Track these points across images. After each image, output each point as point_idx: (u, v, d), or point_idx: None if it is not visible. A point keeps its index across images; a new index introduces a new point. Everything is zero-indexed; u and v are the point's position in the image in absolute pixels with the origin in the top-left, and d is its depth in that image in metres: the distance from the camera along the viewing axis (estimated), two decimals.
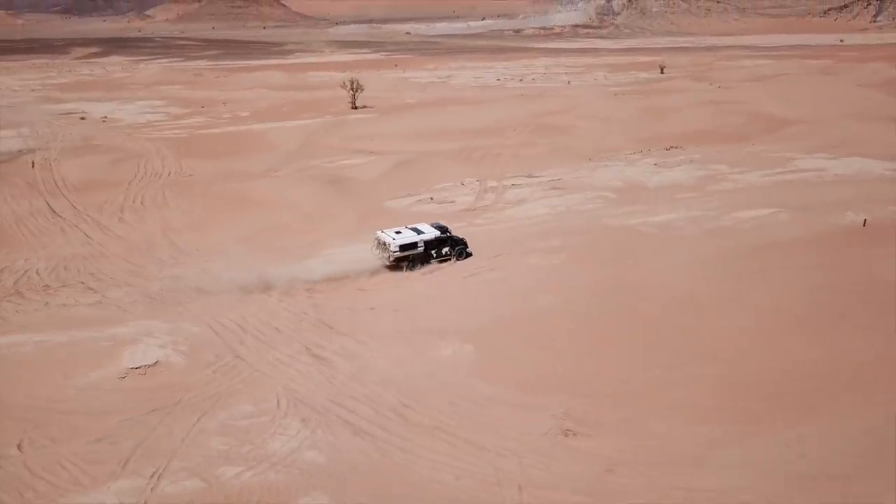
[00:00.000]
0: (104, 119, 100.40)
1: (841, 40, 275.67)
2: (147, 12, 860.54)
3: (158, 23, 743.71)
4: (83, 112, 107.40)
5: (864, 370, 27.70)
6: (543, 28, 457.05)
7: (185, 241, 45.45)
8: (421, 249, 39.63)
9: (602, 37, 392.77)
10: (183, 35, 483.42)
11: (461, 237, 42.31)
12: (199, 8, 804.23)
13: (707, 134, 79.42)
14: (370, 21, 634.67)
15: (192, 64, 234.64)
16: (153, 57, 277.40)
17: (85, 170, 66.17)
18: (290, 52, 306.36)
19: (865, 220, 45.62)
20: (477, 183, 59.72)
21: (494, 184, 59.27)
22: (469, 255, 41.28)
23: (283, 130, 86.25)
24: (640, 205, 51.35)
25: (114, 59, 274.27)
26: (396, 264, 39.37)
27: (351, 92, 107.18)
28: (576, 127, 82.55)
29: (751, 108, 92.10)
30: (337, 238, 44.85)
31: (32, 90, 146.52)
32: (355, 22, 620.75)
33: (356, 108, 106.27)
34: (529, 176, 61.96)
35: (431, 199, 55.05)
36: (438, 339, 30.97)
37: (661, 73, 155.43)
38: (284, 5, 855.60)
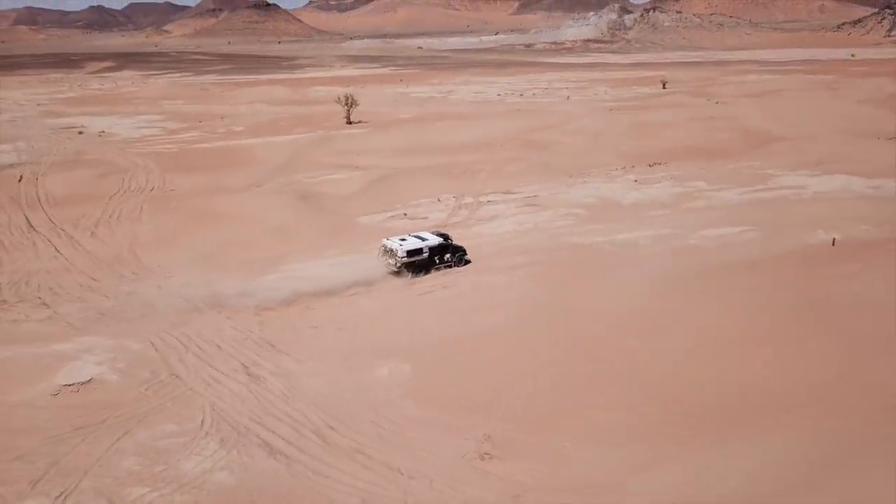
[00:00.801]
0: (101, 133, 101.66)
1: (852, 55, 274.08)
2: (165, 27, 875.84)
3: (175, 38, 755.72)
4: (82, 126, 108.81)
5: (795, 393, 27.25)
6: (554, 43, 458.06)
7: (150, 256, 45.73)
8: (426, 256, 41.18)
9: (612, 51, 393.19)
10: (198, 50, 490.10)
11: (460, 245, 43.89)
12: (216, 23, 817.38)
13: (695, 150, 79.04)
14: (384, 36, 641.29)
15: (201, 78, 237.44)
16: (164, 71, 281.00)
17: (69, 184, 66.96)
18: (300, 66, 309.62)
19: (834, 239, 45.09)
20: (453, 199, 59.74)
21: (470, 200, 59.26)
22: (468, 262, 43.03)
23: (272, 145, 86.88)
24: (610, 222, 51.07)
25: (126, 73, 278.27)
26: (402, 270, 40.70)
27: (345, 107, 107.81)
28: (562, 143, 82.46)
29: (742, 124, 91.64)
30: (300, 254, 44.94)
31: (39, 104, 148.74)
32: (369, 37, 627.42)
33: (350, 122, 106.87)
34: (507, 192, 61.88)
35: (405, 214, 55.10)
36: (377, 359, 30.87)
37: (663, 87, 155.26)
38: (300, 20, 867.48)
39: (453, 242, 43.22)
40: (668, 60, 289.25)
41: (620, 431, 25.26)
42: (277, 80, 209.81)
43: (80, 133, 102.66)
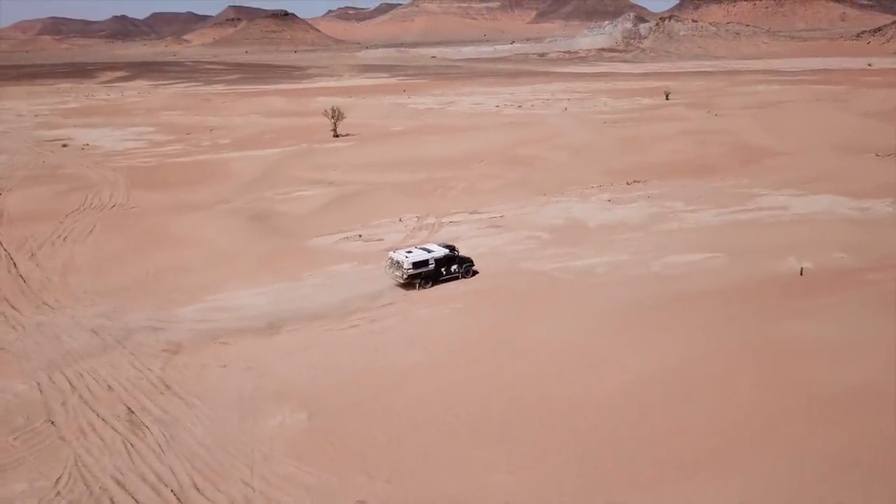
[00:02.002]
0: (85, 147, 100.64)
1: (869, 64, 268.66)
2: (185, 37, 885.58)
3: (195, 47, 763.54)
4: (68, 139, 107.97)
5: (717, 447, 24.41)
6: (568, 52, 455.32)
7: (81, 281, 43.73)
8: (432, 267, 41.28)
9: (626, 60, 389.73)
10: (215, 59, 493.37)
11: (468, 256, 43.88)
12: (235, 32, 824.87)
13: (682, 166, 76.03)
14: (400, 45, 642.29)
15: (208, 88, 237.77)
16: (175, 81, 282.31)
17: (31, 201, 65.51)
18: (310, 76, 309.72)
19: (802, 268, 42.04)
20: (415, 219, 57.36)
21: (432, 220, 56.83)
22: (475, 273, 43.13)
23: (251, 159, 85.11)
24: (572, 247, 48.37)
25: (137, 83, 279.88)
26: (410, 282, 40.83)
27: (332, 120, 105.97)
28: (545, 159, 79.81)
29: (736, 138, 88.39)
30: (235, 281, 42.72)
31: (37, 115, 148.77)
32: (386, 46, 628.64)
33: (338, 135, 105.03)
34: (474, 212, 59.40)
35: (360, 236, 52.79)
36: (275, 405, 28.46)
37: (666, 99, 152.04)
38: (317, 29, 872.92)
39: (460, 254, 43.33)
40: (680, 70, 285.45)
41: (515, 491, 22.62)
42: (280, 91, 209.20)
43: (64, 146, 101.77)
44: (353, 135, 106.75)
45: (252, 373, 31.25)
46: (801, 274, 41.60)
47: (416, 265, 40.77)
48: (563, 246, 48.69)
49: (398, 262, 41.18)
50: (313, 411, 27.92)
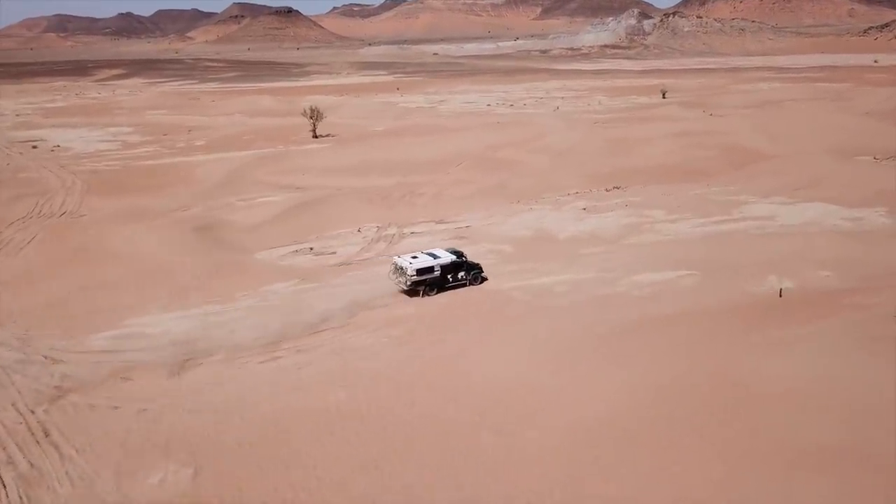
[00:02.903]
0: (54, 148, 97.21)
1: (875, 61, 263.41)
2: (189, 34, 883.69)
3: (198, 44, 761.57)
4: (41, 140, 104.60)
5: None
6: (571, 48, 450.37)
7: None
8: (437, 274, 39.71)
9: (629, 57, 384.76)
10: (217, 56, 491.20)
11: (476, 262, 42.00)
12: (238, 30, 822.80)
13: (668, 170, 72.16)
14: (404, 42, 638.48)
15: (201, 86, 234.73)
16: (171, 79, 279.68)
17: None
18: (308, 73, 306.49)
19: (781, 289, 38.21)
20: (375, 229, 53.75)
21: (393, 231, 53.20)
22: (484, 279, 41.34)
23: (221, 162, 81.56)
24: (535, 262, 44.63)
25: (133, 81, 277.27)
26: (413, 289, 39.23)
27: (311, 120, 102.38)
28: (524, 162, 76.01)
29: (728, 140, 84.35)
30: (160, 302, 39.13)
31: (18, 115, 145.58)
32: (389, 43, 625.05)
33: (317, 136, 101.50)
34: (439, 222, 55.75)
35: (311, 249, 49.22)
36: (161, 457, 24.88)
37: (663, 97, 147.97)
38: (321, 26, 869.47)
39: (468, 260, 41.42)
40: (683, 67, 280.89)
41: None
42: (273, 89, 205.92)
43: (34, 147, 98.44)
44: (333, 136, 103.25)
45: (145, 416, 27.67)
46: (781, 295, 37.80)
47: (420, 272, 39.06)
48: (527, 261, 44.95)
49: (401, 268, 39.51)
50: (201, 466, 24.34)
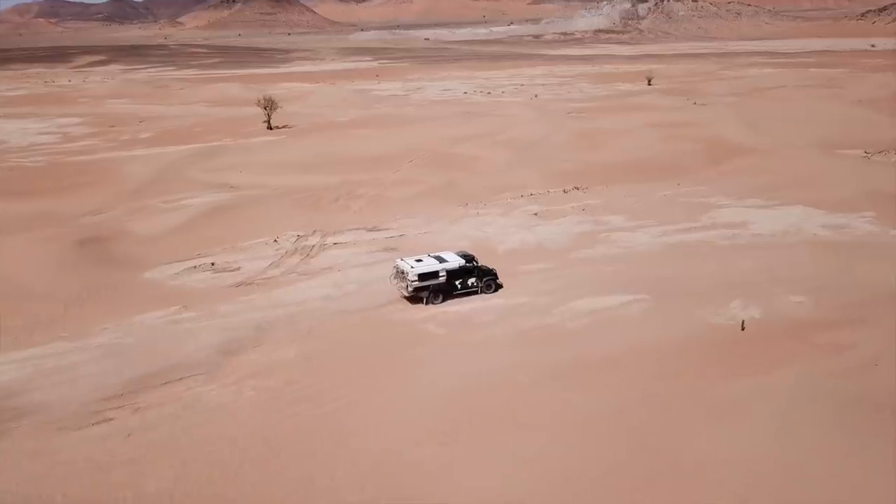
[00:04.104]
0: None
1: (872, 45, 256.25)
2: (180, 19, 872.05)
3: (188, 30, 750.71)
4: None
5: None
6: (564, 33, 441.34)
7: None
8: (443, 279, 36.08)
9: (622, 42, 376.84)
10: (205, 42, 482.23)
11: (490, 268, 38.16)
12: (230, 15, 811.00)
13: (638, 166, 65.71)
14: (396, 27, 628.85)
15: (178, 73, 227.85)
16: (149, 66, 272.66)
17: None
18: (292, 59, 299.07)
19: (744, 322, 31.95)
20: (296, 238, 47.36)
21: (315, 241, 46.79)
22: (499, 286, 37.57)
23: (153, 158, 74.88)
24: None
25: (110, 68, 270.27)
26: (416, 296, 35.60)
27: (265, 111, 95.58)
28: (483, 158, 69.46)
29: (708, 132, 77.82)
30: (5, 337, 32.80)
31: None
32: (382, 28, 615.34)
33: (271, 128, 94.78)
34: (371, 229, 49.35)
35: (212, 264, 42.81)
36: None
37: (648, 84, 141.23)
38: (314, 11, 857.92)
39: (479, 264, 37.67)
40: (675, 52, 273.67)
41: None
42: (248, 76, 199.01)
43: None
44: (290, 127, 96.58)
45: None
46: (743, 328, 31.57)
47: (422, 277, 35.54)
48: None
49: (402, 273, 36.00)
50: None
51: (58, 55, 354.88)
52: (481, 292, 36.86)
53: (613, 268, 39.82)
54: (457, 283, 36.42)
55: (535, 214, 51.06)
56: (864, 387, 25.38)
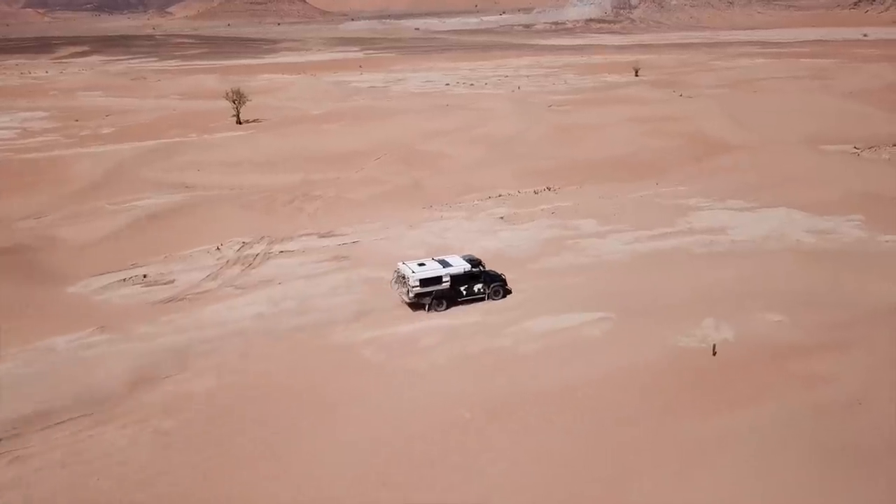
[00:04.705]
0: None
1: (864, 35, 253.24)
2: (169, 9, 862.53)
3: (177, 20, 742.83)
4: None
5: None
6: (555, 23, 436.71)
7: None
8: (446, 285, 34.09)
9: (614, 32, 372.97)
10: (193, 33, 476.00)
11: (499, 273, 36.02)
12: (219, 5, 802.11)
13: (616, 163, 62.40)
14: (387, 17, 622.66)
15: (158, 64, 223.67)
16: (132, 57, 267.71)
17: None
18: (278, 50, 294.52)
19: (715, 346, 28.69)
20: (238, 247, 43.86)
21: (260, 249, 43.30)
22: (508, 292, 35.34)
23: (108, 155, 70.94)
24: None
25: (91, 59, 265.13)
26: (418, 302, 33.62)
27: (233, 104, 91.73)
28: (453, 156, 65.97)
29: (692, 127, 74.41)
30: None
31: None
32: (373, 17, 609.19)
33: (240, 123, 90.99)
34: (323, 235, 45.90)
35: (144, 276, 39.34)
36: None
37: (636, 75, 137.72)
38: (304, 1, 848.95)
39: (487, 269, 35.60)
40: (666, 42, 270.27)
41: None
42: (229, 67, 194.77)
43: None
44: (260, 121, 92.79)
45: None
46: (714, 353, 28.32)
47: (423, 282, 33.56)
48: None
49: (403, 277, 34.11)
50: None
51: (42, 46, 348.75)
52: (489, 299, 34.69)
53: (578, 280, 36.50)
54: (461, 289, 34.48)
55: (501, 218, 47.68)
56: (847, 431, 22.18)
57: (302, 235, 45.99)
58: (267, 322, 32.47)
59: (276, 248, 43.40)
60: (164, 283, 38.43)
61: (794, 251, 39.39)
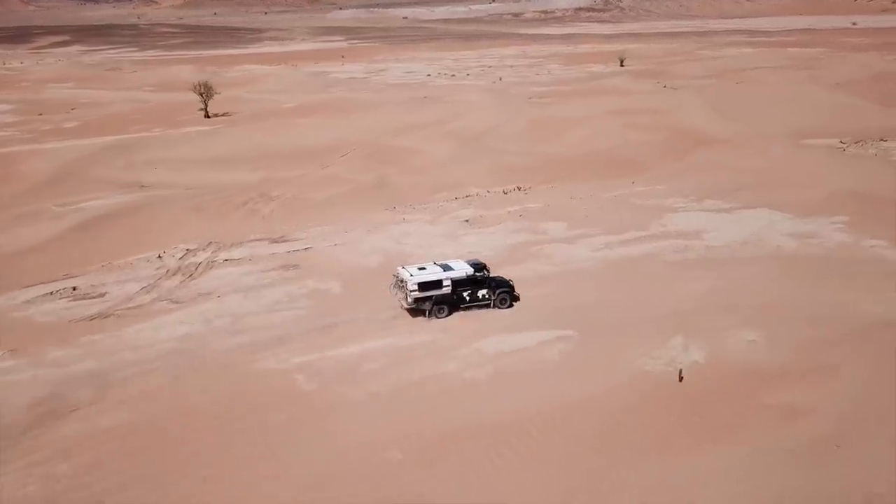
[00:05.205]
0: None
1: (854, 23, 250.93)
2: None
3: (163, 9, 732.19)
4: None
5: None
6: (544, 12, 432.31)
7: None
8: (447, 290, 32.13)
9: (603, 20, 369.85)
10: (177, 22, 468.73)
11: (506, 279, 33.80)
12: None
13: (593, 159, 59.67)
14: (375, 5, 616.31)
15: (138, 55, 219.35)
16: (112, 47, 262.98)
17: None
18: (262, 40, 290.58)
19: (682, 371, 26.08)
20: (181, 255, 40.92)
21: (203, 258, 40.39)
22: (516, 299, 33.18)
23: (61, 152, 67.67)
24: (358, 312, 32.23)
25: (71, 49, 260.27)
26: (417, 308, 31.70)
27: (201, 97, 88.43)
28: (424, 152, 63.04)
29: (674, 120, 71.73)
30: None
31: None
32: (361, 6, 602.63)
33: (209, 116, 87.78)
34: (275, 240, 43.01)
35: (74, 289, 36.37)
36: None
37: (621, 65, 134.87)
38: None
39: (492, 275, 33.44)
40: (654, 31, 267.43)
41: None
42: (209, 58, 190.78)
43: None
44: (230, 114, 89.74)
45: None
46: (681, 379, 25.72)
47: (422, 286, 31.63)
48: (347, 311, 32.49)
49: (402, 281, 32.34)
50: None
51: (21, 36, 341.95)
52: (494, 306, 32.58)
53: (541, 292, 33.80)
54: (464, 294, 32.53)
55: (467, 221, 44.87)
56: (824, 479, 19.60)
57: (253, 241, 43.09)
58: (195, 343, 29.63)
59: (222, 255, 40.49)
60: (94, 297, 35.49)
61: (774, 258, 36.79)
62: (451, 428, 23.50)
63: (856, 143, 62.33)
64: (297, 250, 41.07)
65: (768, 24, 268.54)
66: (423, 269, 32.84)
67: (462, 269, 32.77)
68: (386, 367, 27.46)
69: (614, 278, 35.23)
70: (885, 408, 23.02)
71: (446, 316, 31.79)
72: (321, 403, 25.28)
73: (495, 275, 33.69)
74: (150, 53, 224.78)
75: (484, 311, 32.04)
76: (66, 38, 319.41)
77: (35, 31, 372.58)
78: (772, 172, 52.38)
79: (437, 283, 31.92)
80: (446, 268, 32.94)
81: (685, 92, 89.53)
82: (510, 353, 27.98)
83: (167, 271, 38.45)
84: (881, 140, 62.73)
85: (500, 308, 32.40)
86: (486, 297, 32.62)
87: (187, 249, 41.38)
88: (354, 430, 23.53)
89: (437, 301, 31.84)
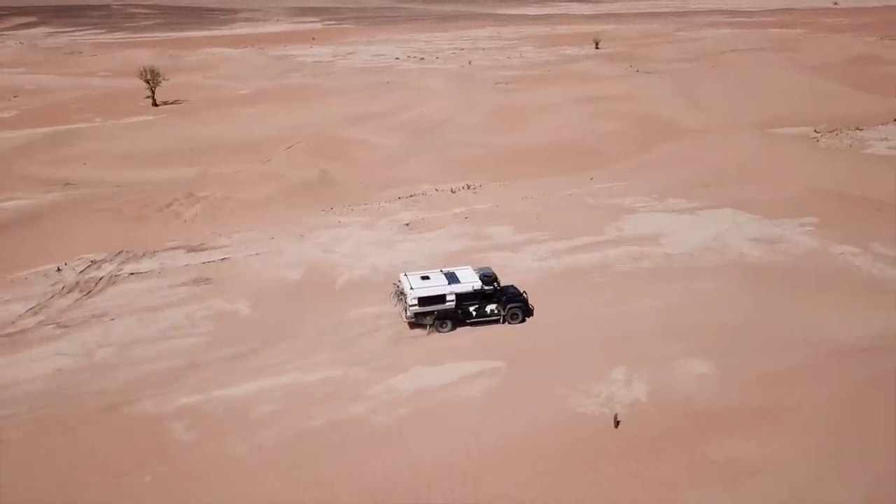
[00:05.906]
0: None
1: (835, 2, 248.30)
2: None
3: None
4: None
5: None
6: None
7: None
8: (451, 304, 29.10)
9: (583, 0, 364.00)
10: (152, 2, 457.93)
11: (519, 291, 30.41)
12: None
13: (553, 152, 56.09)
14: None
15: (104, 37, 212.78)
16: (79, 28, 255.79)
17: None
18: (235, 21, 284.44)
19: (617, 416, 22.56)
20: (84, 267, 36.86)
21: (106, 271, 36.30)
22: (528, 314, 29.75)
23: None
24: (260, 342, 28.43)
25: (36, 31, 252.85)
26: (417, 322, 28.97)
27: (147, 85, 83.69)
28: (373, 145, 59.13)
29: (642, 108, 68.02)
30: None
31: None
32: None
33: (157, 104, 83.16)
34: (193, 249, 39.02)
35: None
36: None
37: (596, 47, 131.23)
38: None
39: (503, 287, 30.08)
40: (635, 11, 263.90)
41: None
42: (173, 40, 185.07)
43: None
44: (180, 102, 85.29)
45: None
46: (616, 426, 22.22)
47: (423, 300, 28.65)
48: (253, 339, 28.70)
49: (402, 293, 29.52)
50: None
51: None
52: (504, 322, 29.43)
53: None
54: (470, 309, 29.41)
55: (407, 225, 41.02)
56: None
57: (169, 249, 39.09)
58: (65, 381, 25.74)
59: (129, 268, 36.46)
60: None
61: (736, 268, 33.28)
62: (344, 487, 19.93)
63: (830, 132, 59.02)
64: (213, 261, 37.09)
65: (749, 4, 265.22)
66: (427, 278, 29.79)
67: (469, 282, 29.51)
68: (282, 411, 23.73)
69: (557, 293, 31.60)
70: (852, 463, 19.66)
71: (450, 330, 28.88)
72: (195, 460, 21.55)
73: (507, 284, 30.46)
74: (115, 36, 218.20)
75: (390, 341, 28.27)
76: (33, 18, 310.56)
77: (2, 12, 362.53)
78: (741, 167, 48.87)
79: (441, 298, 28.88)
80: (452, 278, 29.84)
81: (657, 77, 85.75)
82: (428, 392, 24.33)
83: (63, 287, 34.41)
84: (856, 129, 59.44)
85: (510, 323, 29.16)
86: (496, 312, 29.48)
87: (92, 261, 37.33)
88: (228, 497, 19.88)
89: (439, 316, 28.96)
